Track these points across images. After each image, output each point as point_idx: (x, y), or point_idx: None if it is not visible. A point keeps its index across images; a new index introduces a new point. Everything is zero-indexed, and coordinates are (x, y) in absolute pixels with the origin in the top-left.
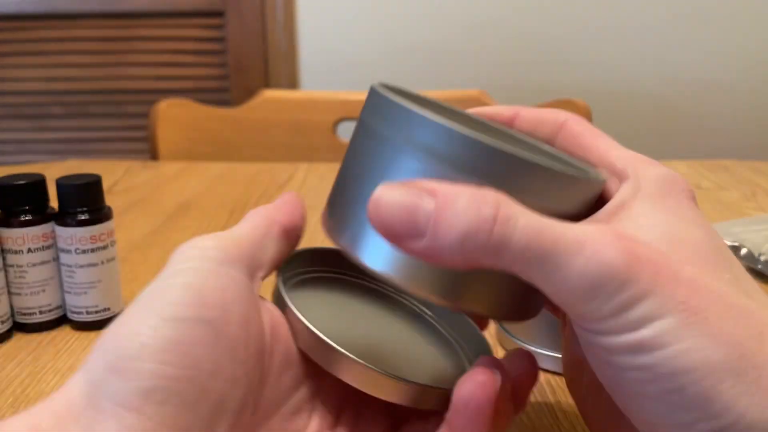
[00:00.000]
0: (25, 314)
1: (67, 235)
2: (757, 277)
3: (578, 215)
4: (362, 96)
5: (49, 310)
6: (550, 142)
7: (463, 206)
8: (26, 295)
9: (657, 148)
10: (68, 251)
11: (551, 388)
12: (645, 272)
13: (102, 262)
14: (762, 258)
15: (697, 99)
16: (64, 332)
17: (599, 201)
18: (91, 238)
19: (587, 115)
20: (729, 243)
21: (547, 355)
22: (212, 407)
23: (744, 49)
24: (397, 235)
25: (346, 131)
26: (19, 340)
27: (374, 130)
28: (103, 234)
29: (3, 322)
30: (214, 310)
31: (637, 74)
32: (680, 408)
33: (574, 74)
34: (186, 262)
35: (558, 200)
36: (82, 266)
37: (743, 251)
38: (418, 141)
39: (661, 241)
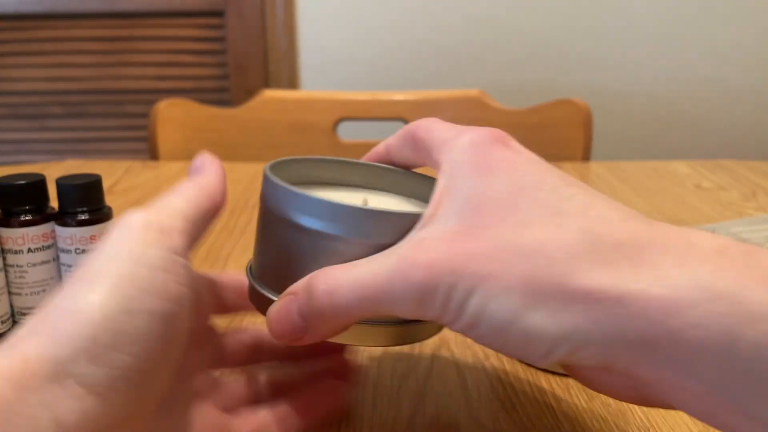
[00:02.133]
0: (25, 314)
1: (67, 235)
2: None
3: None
4: (362, 96)
5: None
6: (422, 159)
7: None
8: (26, 295)
9: (657, 148)
10: (68, 251)
11: (551, 388)
12: (445, 273)
13: None
14: None
15: (697, 99)
16: None
17: None
18: (91, 238)
19: (587, 115)
20: None
21: None
22: (158, 396)
23: (744, 49)
24: (289, 340)
25: (346, 131)
26: None
27: (265, 209)
28: (103, 234)
29: (3, 322)
30: (176, 304)
31: (637, 74)
32: (524, 345)
33: (574, 74)
34: (144, 246)
35: (393, 235)
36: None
37: None
38: (290, 212)
39: (462, 218)
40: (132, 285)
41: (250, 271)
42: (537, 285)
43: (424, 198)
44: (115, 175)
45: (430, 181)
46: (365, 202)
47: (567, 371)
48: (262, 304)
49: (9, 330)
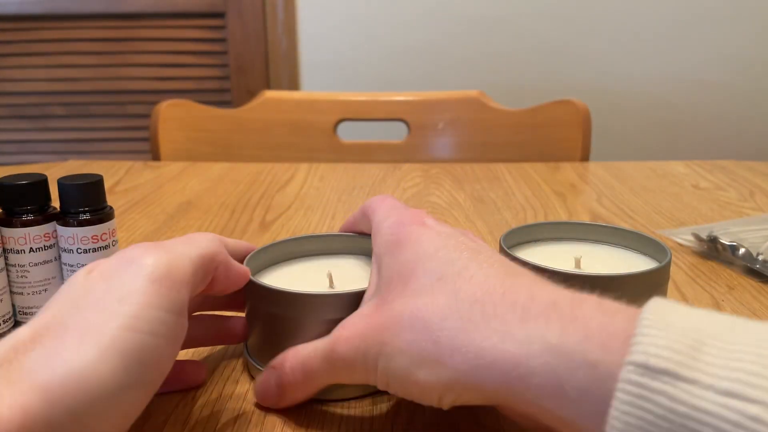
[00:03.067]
0: (26, 313)
1: (68, 234)
2: (755, 277)
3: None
4: (362, 97)
5: None
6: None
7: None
8: (28, 294)
9: (656, 148)
10: (70, 251)
11: None
12: (359, 345)
13: None
14: (760, 258)
15: (696, 99)
16: None
17: None
18: (92, 238)
19: (586, 115)
20: (727, 242)
21: None
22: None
23: (743, 49)
24: (270, 404)
25: (346, 132)
26: None
27: (247, 297)
28: (105, 234)
29: (5, 322)
30: (158, 375)
31: (635, 75)
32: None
33: (574, 74)
34: (148, 308)
35: (343, 310)
36: (84, 266)
37: (741, 251)
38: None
39: (379, 294)
40: (126, 351)
41: (246, 345)
42: (418, 347)
43: None
44: (116, 175)
45: None
46: (330, 275)
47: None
48: (254, 373)
49: (10, 330)
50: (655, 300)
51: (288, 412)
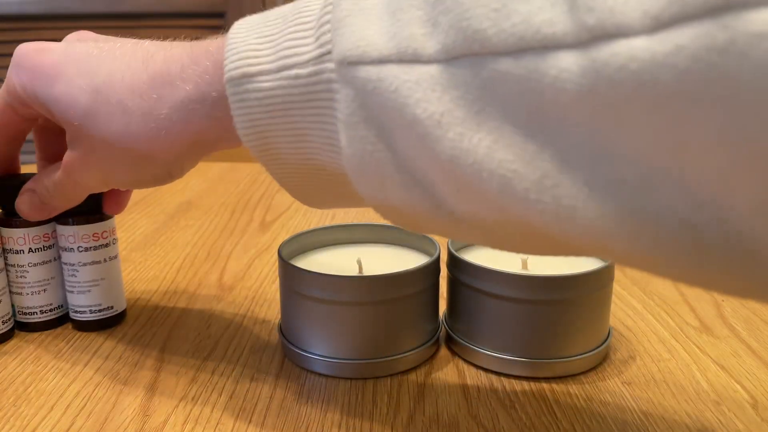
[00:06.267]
0: (26, 314)
1: (69, 233)
2: None
3: None
4: None
5: (50, 310)
6: None
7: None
8: (27, 294)
9: None
10: (71, 249)
11: (550, 387)
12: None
13: (104, 260)
14: None
15: None
16: (66, 332)
17: None
18: (93, 236)
19: None
20: None
21: (515, 360)
22: None
23: None
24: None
25: None
26: (21, 339)
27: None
28: (105, 231)
29: (4, 322)
30: None
31: None
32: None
33: None
34: None
35: (372, 294)
36: (84, 264)
37: None
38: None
39: None
40: None
41: (280, 328)
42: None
43: (415, 247)
44: None
45: (416, 234)
46: (359, 261)
47: None
48: (291, 356)
49: (10, 329)
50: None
51: (288, 413)
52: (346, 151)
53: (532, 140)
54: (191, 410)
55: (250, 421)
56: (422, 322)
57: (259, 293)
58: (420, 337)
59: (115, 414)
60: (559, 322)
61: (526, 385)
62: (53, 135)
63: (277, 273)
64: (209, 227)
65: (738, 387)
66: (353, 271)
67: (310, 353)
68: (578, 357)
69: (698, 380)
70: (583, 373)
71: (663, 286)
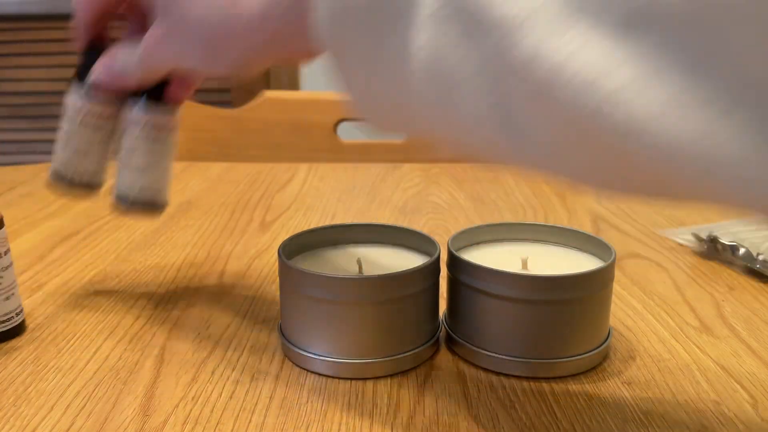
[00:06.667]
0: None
1: None
2: (755, 277)
3: None
4: None
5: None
6: None
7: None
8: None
9: None
10: None
11: (550, 387)
12: None
13: None
14: (760, 257)
15: None
16: (66, 331)
17: None
18: None
19: None
20: (727, 243)
21: (515, 360)
22: None
23: None
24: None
25: (346, 132)
26: (20, 339)
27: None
28: None
29: (3, 323)
30: None
31: None
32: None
33: None
34: None
35: (371, 295)
36: None
37: (741, 251)
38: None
39: None
40: None
41: (280, 328)
42: None
43: (415, 247)
44: None
45: (416, 234)
46: (359, 261)
47: None
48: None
49: (10, 329)
50: None
51: (288, 413)
52: (421, 53)
53: (623, 45)
54: (191, 410)
55: (250, 421)
56: (422, 322)
57: (259, 293)
58: (420, 337)
59: (115, 414)
60: (559, 322)
61: (526, 385)
62: (140, 13)
63: (277, 273)
64: (209, 227)
65: (738, 387)
66: (353, 271)
67: (310, 353)
68: (578, 357)
69: (698, 380)
70: (583, 373)
71: (663, 287)
